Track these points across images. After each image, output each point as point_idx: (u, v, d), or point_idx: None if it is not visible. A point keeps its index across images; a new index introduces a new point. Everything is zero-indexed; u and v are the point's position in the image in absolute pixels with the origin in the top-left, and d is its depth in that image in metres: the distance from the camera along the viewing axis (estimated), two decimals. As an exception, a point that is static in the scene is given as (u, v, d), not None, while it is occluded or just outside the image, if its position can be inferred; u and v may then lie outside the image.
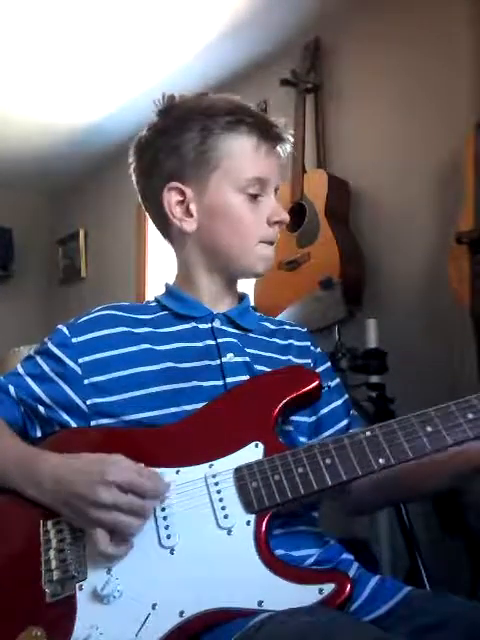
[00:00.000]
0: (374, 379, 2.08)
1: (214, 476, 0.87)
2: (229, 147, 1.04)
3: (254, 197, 1.05)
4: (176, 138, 1.05)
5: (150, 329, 1.04)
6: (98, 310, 1.07)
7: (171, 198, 1.06)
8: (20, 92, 3.25)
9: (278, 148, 1.08)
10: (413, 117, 2.43)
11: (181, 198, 1.05)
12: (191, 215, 1.06)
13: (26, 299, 4.40)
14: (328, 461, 0.86)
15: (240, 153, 1.04)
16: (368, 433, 0.87)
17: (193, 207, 1.05)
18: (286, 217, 1.08)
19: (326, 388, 1.06)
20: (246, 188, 1.04)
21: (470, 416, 0.86)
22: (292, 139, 1.11)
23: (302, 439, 1.03)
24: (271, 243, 1.08)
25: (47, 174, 4.18)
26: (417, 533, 1.69)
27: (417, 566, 1.62)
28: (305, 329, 1.17)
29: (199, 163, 1.04)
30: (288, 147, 1.10)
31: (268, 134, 1.06)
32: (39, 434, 1.01)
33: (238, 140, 1.04)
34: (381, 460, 0.85)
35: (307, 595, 0.78)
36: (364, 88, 2.63)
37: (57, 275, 4.45)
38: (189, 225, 1.06)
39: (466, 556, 1.89)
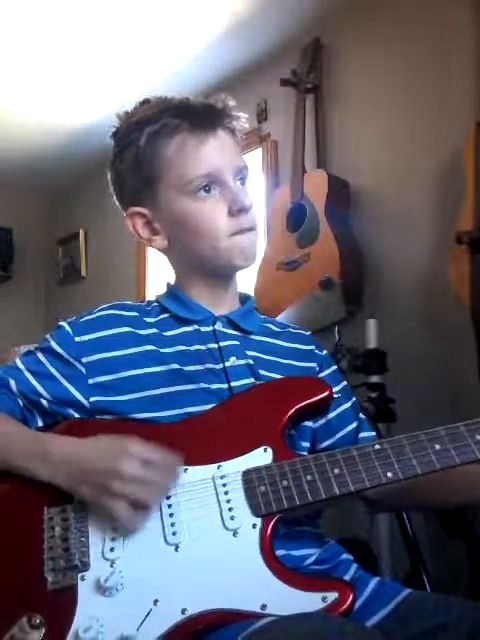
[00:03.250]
0: (374, 379, 2.08)
1: (222, 477, 0.87)
2: (160, 156, 1.00)
3: (207, 193, 1.00)
4: (118, 166, 1.06)
5: (154, 331, 1.03)
6: (102, 309, 1.05)
7: (135, 223, 1.06)
8: (20, 92, 3.26)
9: (219, 131, 1.02)
10: (413, 117, 2.43)
11: (144, 220, 1.06)
12: (158, 233, 1.06)
13: (26, 299, 4.40)
14: (336, 471, 0.86)
15: (173, 157, 1.00)
16: (377, 446, 0.87)
17: (157, 225, 1.05)
18: (246, 203, 1.00)
19: (337, 392, 1.06)
20: (193, 189, 0.99)
21: (478, 437, 0.86)
22: (234, 110, 1.04)
23: (304, 444, 1.03)
24: (245, 231, 1.02)
25: (47, 174, 4.18)
26: (417, 534, 1.68)
27: (417, 567, 1.62)
28: (309, 332, 1.17)
29: (143, 182, 1.03)
30: (233, 121, 1.04)
31: (195, 124, 1.00)
32: (40, 424, 0.99)
33: (166, 145, 1.00)
34: (389, 474, 0.85)
35: (310, 602, 0.78)
36: (364, 88, 2.63)
37: (57, 275, 4.45)
38: (160, 243, 1.07)
39: (466, 557, 1.89)
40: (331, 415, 1.06)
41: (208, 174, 0.99)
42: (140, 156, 1.02)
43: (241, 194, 1.01)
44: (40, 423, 0.99)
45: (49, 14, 2.67)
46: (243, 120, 1.06)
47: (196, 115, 1.01)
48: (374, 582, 0.95)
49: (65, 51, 2.94)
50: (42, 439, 0.92)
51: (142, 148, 1.01)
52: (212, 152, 1.00)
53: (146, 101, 1.07)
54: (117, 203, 1.10)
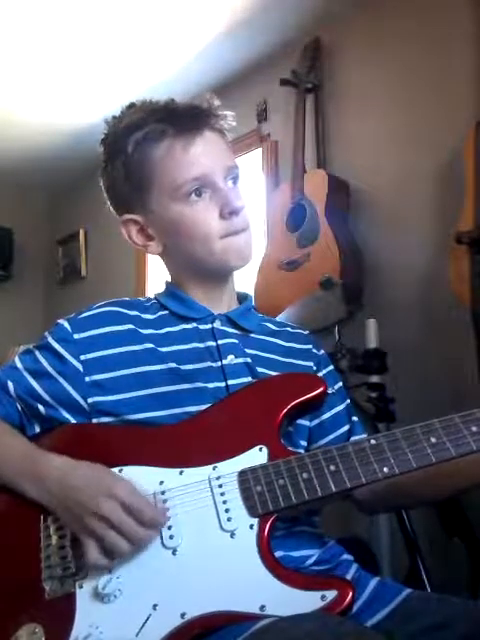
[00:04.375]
0: (374, 379, 2.08)
1: (218, 478, 0.87)
2: (149, 163, 1.00)
3: (198, 197, 1.00)
4: (109, 173, 1.06)
5: (153, 330, 1.03)
6: (101, 306, 1.05)
7: (129, 230, 1.07)
8: (21, 93, 3.25)
9: (206, 132, 1.01)
10: (413, 117, 2.43)
11: (138, 226, 1.06)
12: (153, 238, 1.06)
13: (26, 299, 4.39)
14: (333, 468, 0.86)
15: (161, 163, 1.00)
16: (372, 441, 0.87)
17: (151, 231, 1.06)
18: (237, 205, 1.00)
19: (331, 391, 1.06)
20: (184, 193, 0.99)
21: (474, 429, 0.86)
22: (219, 110, 1.03)
23: (302, 442, 1.03)
24: (237, 232, 1.01)
25: (47, 174, 4.18)
26: (417, 534, 1.68)
27: (417, 566, 1.62)
28: (307, 332, 1.17)
29: (134, 190, 1.04)
30: (220, 121, 1.03)
31: (181, 127, 0.99)
32: (37, 430, 0.99)
33: (154, 151, 1.00)
34: (385, 469, 0.85)
35: (309, 601, 0.78)
36: (364, 88, 2.63)
37: (57, 275, 4.45)
38: (155, 248, 1.07)
39: (466, 556, 1.89)
40: (325, 416, 1.06)
41: (197, 177, 0.99)
42: (128, 164, 1.02)
43: (232, 196, 1.01)
44: (37, 429, 0.99)
45: (50, 14, 2.67)
46: (230, 119, 1.05)
47: (181, 118, 1.00)
48: (374, 582, 0.95)
49: (65, 51, 2.93)
50: (35, 457, 0.92)
51: (130, 156, 1.01)
52: (200, 155, 1.00)
53: (131, 105, 1.06)
54: (112, 209, 1.10)
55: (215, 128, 1.03)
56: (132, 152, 1.01)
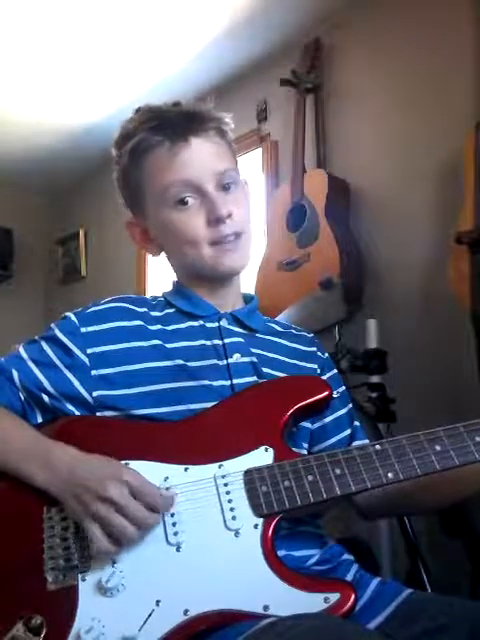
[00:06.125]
0: (374, 379, 2.08)
1: (223, 477, 0.87)
2: (140, 172, 1.04)
3: (185, 204, 1.01)
4: (116, 178, 1.10)
5: (160, 326, 1.04)
6: (109, 301, 1.05)
7: (132, 231, 1.12)
8: (20, 92, 3.25)
9: (192, 139, 1.01)
10: (413, 117, 2.43)
11: (139, 228, 1.10)
12: (152, 241, 1.10)
13: (26, 299, 4.40)
14: (338, 471, 0.86)
15: (150, 172, 1.03)
16: (377, 446, 0.88)
17: (149, 234, 1.09)
18: (222, 213, 0.99)
19: (336, 395, 1.06)
20: (172, 201, 1.01)
21: (478, 439, 0.87)
22: (211, 114, 1.04)
23: (304, 445, 1.04)
24: (224, 240, 1.01)
25: (47, 174, 4.18)
26: (417, 534, 1.68)
27: (417, 567, 1.62)
28: (312, 335, 1.17)
29: (131, 195, 1.09)
30: (212, 125, 1.03)
31: (169, 136, 1.01)
32: (39, 420, 0.98)
33: (144, 161, 1.03)
34: (390, 474, 0.86)
35: (312, 603, 0.78)
36: (364, 88, 2.63)
37: (57, 275, 4.45)
38: (154, 250, 1.11)
39: (467, 557, 1.89)
40: (327, 419, 1.07)
41: (183, 184, 1.00)
42: (125, 172, 1.07)
43: (218, 203, 1.00)
44: (40, 419, 0.99)
45: (49, 14, 2.67)
46: (226, 120, 1.06)
47: (170, 125, 1.01)
48: (375, 583, 0.96)
49: (65, 51, 2.94)
50: (44, 444, 0.91)
51: (126, 165, 1.06)
52: (185, 161, 1.01)
53: (138, 110, 1.08)
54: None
55: (205, 133, 1.03)
56: (127, 161, 1.05)
